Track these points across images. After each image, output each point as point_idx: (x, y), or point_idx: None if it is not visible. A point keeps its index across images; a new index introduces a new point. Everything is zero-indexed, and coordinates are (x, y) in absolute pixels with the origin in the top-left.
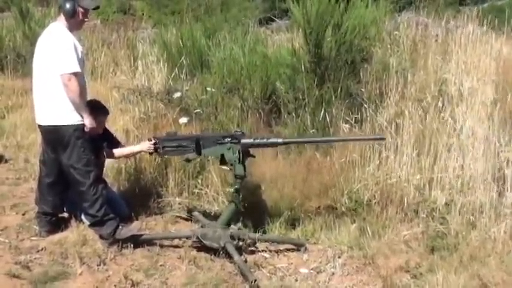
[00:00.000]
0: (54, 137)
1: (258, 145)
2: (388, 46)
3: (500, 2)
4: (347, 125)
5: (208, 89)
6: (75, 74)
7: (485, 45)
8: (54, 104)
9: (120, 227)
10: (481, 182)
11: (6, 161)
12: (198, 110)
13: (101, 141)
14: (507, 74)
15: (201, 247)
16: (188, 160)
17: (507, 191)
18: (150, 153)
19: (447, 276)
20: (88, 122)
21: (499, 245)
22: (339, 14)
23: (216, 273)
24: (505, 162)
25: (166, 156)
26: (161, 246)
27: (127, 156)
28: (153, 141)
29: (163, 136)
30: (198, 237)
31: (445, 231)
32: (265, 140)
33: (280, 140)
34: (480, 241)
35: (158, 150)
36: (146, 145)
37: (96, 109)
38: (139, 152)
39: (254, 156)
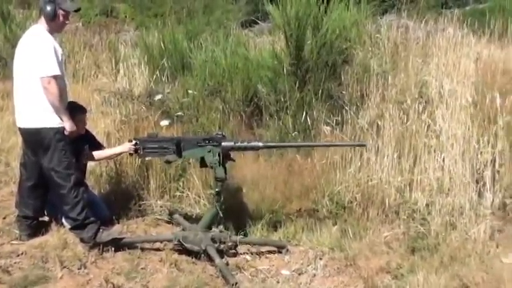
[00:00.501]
0: (34, 139)
1: (239, 148)
2: (369, 48)
3: (482, 5)
4: (328, 127)
5: (189, 91)
6: (55, 77)
7: (466, 47)
8: (34, 107)
9: (101, 230)
10: (461, 183)
11: None
12: (180, 113)
13: (82, 144)
14: (486, 76)
15: (183, 250)
16: (168, 162)
17: (486, 191)
18: (131, 154)
19: (428, 277)
20: (68, 125)
21: (479, 246)
22: (319, 16)
23: (197, 276)
24: (484, 163)
25: (146, 158)
26: (142, 249)
27: (108, 158)
28: (133, 142)
29: (144, 137)
30: (179, 240)
31: (425, 232)
32: (245, 144)
33: (260, 144)
34: (460, 242)
35: (139, 151)
36: (127, 146)
37: (73, 109)
38: (121, 153)
39: (234, 160)
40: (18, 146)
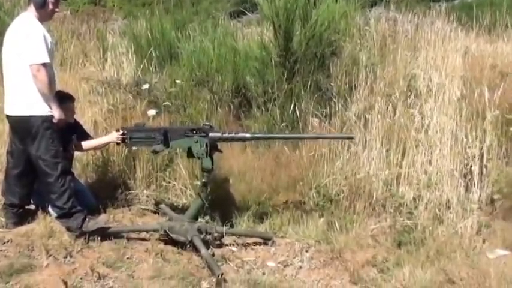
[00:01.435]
0: (22, 127)
1: (226, 139)
2: (358, 41)
3: None
4: (316, 119)
5: (177, 81)
6: (44, 64)
7: (454, 41)
8: (23, 95)
9: (87, 219)
10: (449, 178)
11: None
12: (167, 103)
13: (70, 134)
14: (474, 70)
15: (168, 240)
16: (155, 152)
17: (474, 186)
18: (118, 144)
19: (414, 271)
20: (57, 113)
21: (466, 241)
22: (308, 8)
23: (183, 266)
24: (472, 158)
25: (134, 148)
26: (128, 239)
27: (95, 148)
28: (121, 132)
29: (132, 127)
30: (165, 231)
31: (412, 226)
32: (233, 135)
33: (248, 135)
34: (447, 236)
35: (126, 140)
36: (114, 136)
37: (62, 98)
38: (108, 143)
39: (221, 151)
40: (5, 133)
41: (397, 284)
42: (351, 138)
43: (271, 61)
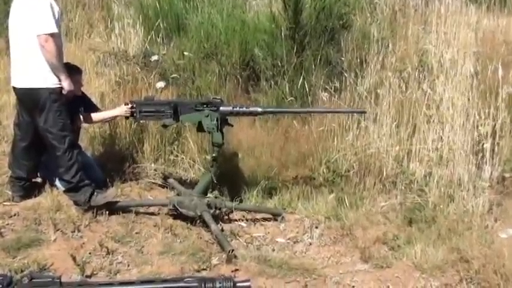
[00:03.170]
0: (29, 99)
1: (237, 113)
2: (368, 14)
3: None
4: (326, 94)
5: (185, 53)
6: (52, 34)
7: (465, 16)
8: (30, 66)
9: (95, 193)
10: (460, 155)
11: None
12: (175, 75)
13: (77, 106)
14: (487, 47)
15: (177, 215)
16: (165, 126)
17: (485, 164)
18: (127, 118)
19: (425, 249)
20: (66, 84)
21: (477, 219)
22: None
23: (192, 242)
24: (484, 135)
25: (142, 121)
26: (136, 213)
27: (103, 120)
28: (130, 105)
29: (141, 100)
30: (174, 205)
31: (423, 204)
32: (244, 109)
33: (259, 109)
34: (458, 214)
35: (135, 114)
36: (123, 109)
37: (69, 70)
38: (116, 116)
39: (232, 125)
40: (11, 104)
41: (409, 262)
42: (364, 112)
43: (281, 34)
